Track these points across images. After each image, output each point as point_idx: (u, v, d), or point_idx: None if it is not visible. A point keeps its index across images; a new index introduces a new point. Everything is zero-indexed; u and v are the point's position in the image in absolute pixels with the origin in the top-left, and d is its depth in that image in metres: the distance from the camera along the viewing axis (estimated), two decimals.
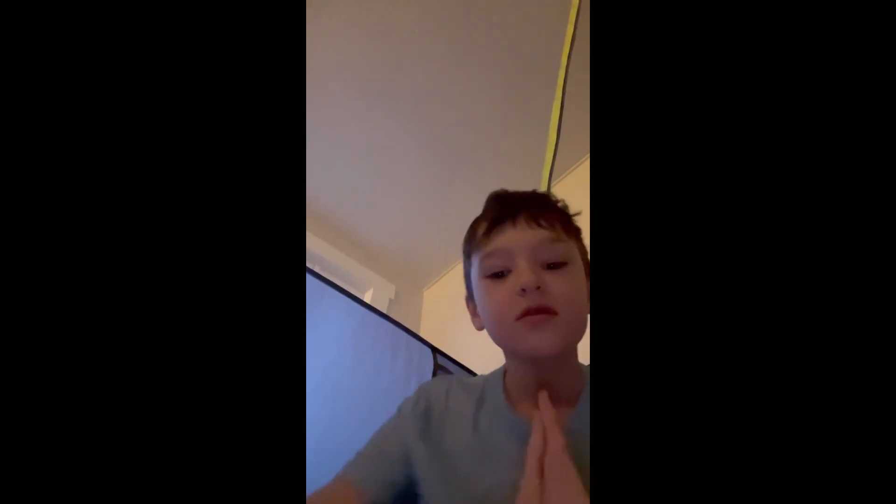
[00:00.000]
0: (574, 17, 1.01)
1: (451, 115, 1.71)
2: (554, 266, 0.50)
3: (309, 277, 1.02)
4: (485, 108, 1.68)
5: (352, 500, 0.51)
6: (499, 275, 0.51)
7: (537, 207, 0.53)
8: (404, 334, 1.17)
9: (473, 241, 0.55)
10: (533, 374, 0.53)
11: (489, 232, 0.52)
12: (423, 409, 0.58)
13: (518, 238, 0.51)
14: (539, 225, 0.51)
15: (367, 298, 2.00)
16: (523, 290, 0.48)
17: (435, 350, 1.23)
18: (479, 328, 0.56)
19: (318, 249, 1.96)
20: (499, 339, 0.52)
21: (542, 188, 0.90)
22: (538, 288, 0.48)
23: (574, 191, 1.71)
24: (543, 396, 0.49)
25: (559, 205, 0.57)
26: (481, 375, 0.63)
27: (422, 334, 1.25)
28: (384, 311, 1.47)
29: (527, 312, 0.48)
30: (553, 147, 0.92)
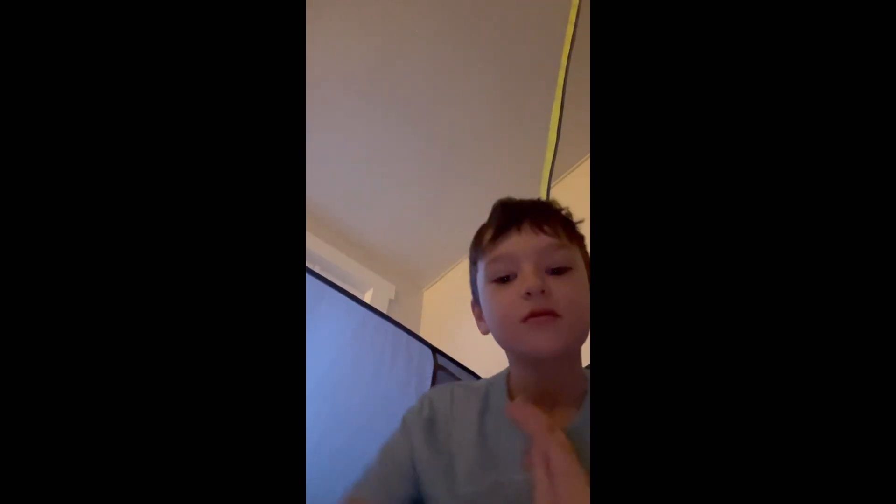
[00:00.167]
0: (574, 17, 1.01)
1: (451, 116, 1.71)
2: (558, 271, 0.51)
3: (309, 278, 1.02)
4: (485, 108, 1.68)
5: None
6: (504, 279, 0.52)
7: (541, 214, 0.54)
8: (404, 334, 1.17)
9: (480, 247, 0.56)
10: (536, 376, 0.54)
11: (495, 238, 0.54)
12: (427, 417, 0.59)
13: (523, 244, 0.52)
14: (543, 231, 0.53)
15: (367, 298, 2.00)
16: (528, 293, 0.49)
17: (435, 350, 1.23)
18: (485, 332, 0.57)
19: (318, 249, 1.95)
20: (503, 341, 0.54)
21: (543, 188, 0.90)
22: (543, 292, 0.49)
23: (574, 191, 1.71)
24: (519, 400, 0.51)
25: (562, 212, 0.58)
26: (484, 379, 0.63)
27: (422, 334, 1.25)
28: (384, 311, 1.47)
29: (531, 315, 0.49)
30: (553, 147, 0.92)
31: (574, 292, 0.50)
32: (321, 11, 1.42)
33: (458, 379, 1.26)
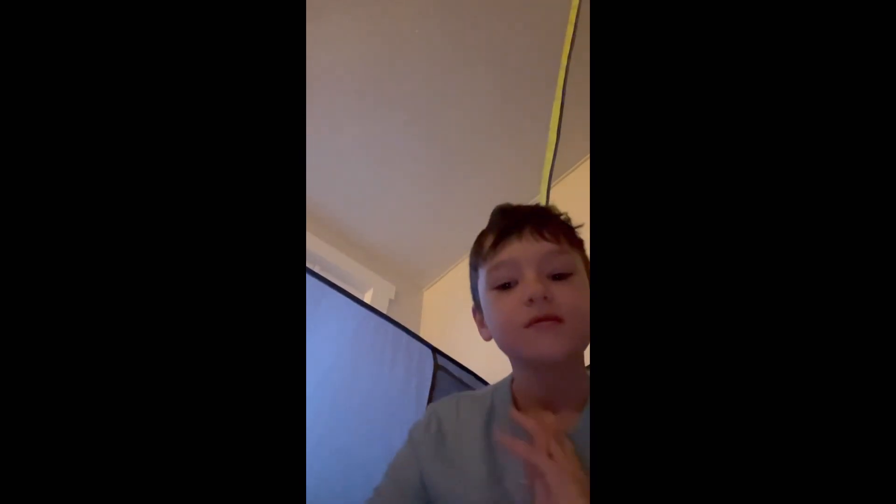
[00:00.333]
0: (574, 17, 1.01)
1: (451, 115, 1.71)
2: (559, 277, 0.52)
3: (309, 278, 1.02)
4: (485, 108, 1.68)
5: None
6: (506, 286, 0.53)
7: (542, 221, 0.55)
8: (404, 334, 1.17)
9: (480, 253, 0.57)
10: (540, 381, 0.54)
11: (496, 245, 0.54)
12: (435, 430, 0.59)
13: (524, 250, 0.52)
14: (544, 237, 0.53)
15: (367, 299, 2.00)
16: (531, 300, 0.49)
17: (435, 350, 1.23)
18: (487, 338, 0.57)
19: (318, 249, 1.95)
20: (506, 347, 0.54)
21: (543, 188, 0.90)
22: (545, 298, 0.49)
23: (574, 191, 1.71)
24: (515, 415, 0.52)
25: (562, 217, 0.58)
26: (488, 386, 0.64)
27: (422, 334, 1.25)
28: (384, 311, 1.47)
29: (534, 321, 0.49)
30: (553, 147, 0.92)
31: (576, 297, 0.51)
32: (321, 12, 1.42)
33: (459, 379, 1.26)
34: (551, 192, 0.90)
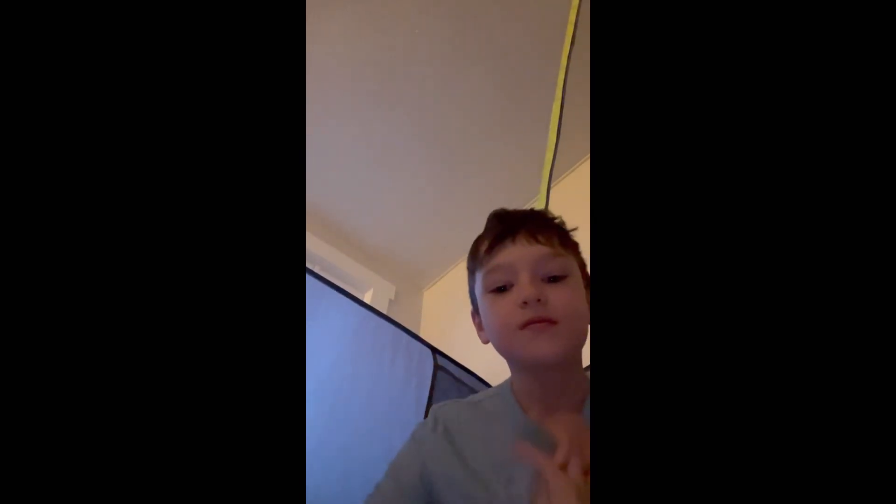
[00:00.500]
0: (574, 17, 1.01)
1: (451, 115, 1.70)
2: (554, 279, 0.52)
3: (309, 278, 1.02)
4: (485, 108, 1.68)
5: None
6: (502, 289, 0.53)
7: (536, 224, 0.55)
8: (404, 335, 1.17)
9: (476, 258, 0.57)
10: (537, 383, 0.55)
11: (491, 249, 0.55)
12: (442, 431, 0.60)
13: (519, 254, 0.53)
14: (538, 241, 0.54)
15: (367, 299, 2.00)
16: (525, 302, 0.50)
17: (435, 350, 1.23)
18: (485, 342, 0.58)
19: (318, 249, 1.95)
20: (503, 350, 0.55)
21: (543, 188, 0.90)
22: (539, 300, 0.50)
23: (574, 191, 1.71)
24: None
25: (556, 221, 0.59)
26: (487, 390, 0.64)
27: (422, 334, 1.25)
28: (384, 311, 1.47)
29: (528, 323, 0.50)
30: (553, 147, 0.92)
31: (570, 299, 0.52)
32: (322, 12, 1.42)
33: (459, 379, 1.26)
34: (551, 192, 0.90)
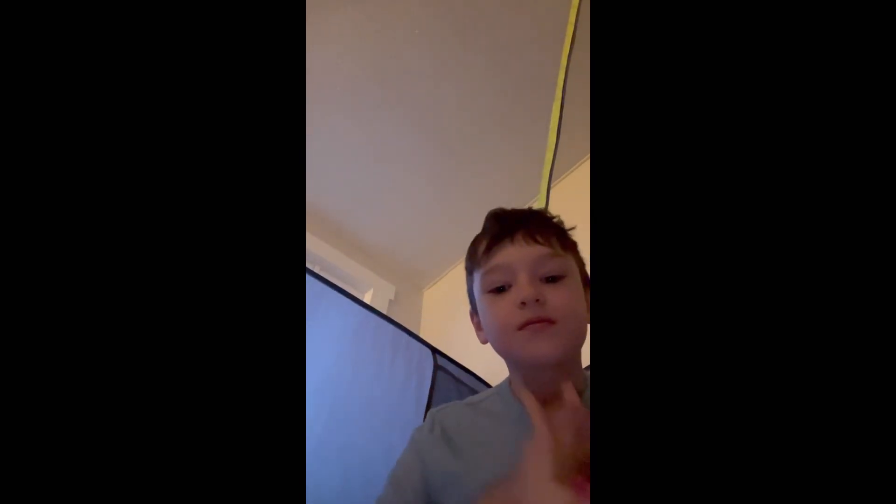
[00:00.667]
0: (574, 17, 1.01)
1: (451, 115, 1.70)
2: (552, 279, 0.52)
3: (309, 278, 1.02)
4: (485, 108, 1.68)
5: None
6: (500, 289, 0.53)
7: (534, 225, 0.55)
8: (404, 335, 1.17)
9: (475, 258, 0.57)
10: (536, 383, 0.54)
11: (489, 249, 0.55)
12: (439, 432, 0.59)
13: (517, 254, 0.53)
14: (536, 241, 0.54)
15: (367, 299, 2.00)
16: (523, 303, 0.50)
17: (435, 350, 1.22)
18: (484, 342, 0.58)
19: (318, 250, 1.95)
20: (502, 350, 0.54)
21: (543, 188, 0.90)
22: (537, 301, 0.50)
23: (574, 191, 1.70)
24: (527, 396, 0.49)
25: (554, 220, 0.59)
26: (484, 392, 0.64)
27: (422, 335, 1.25)
28: (384, 311, 1.47)
29: (527, 323, 0.50)
30: (553, 147, 0.92)
31: (568, 299, 0.52)
32: (322, 12, 1.42)
33: (458, 379, 1.26)
34: (551, 192, 0.90)
